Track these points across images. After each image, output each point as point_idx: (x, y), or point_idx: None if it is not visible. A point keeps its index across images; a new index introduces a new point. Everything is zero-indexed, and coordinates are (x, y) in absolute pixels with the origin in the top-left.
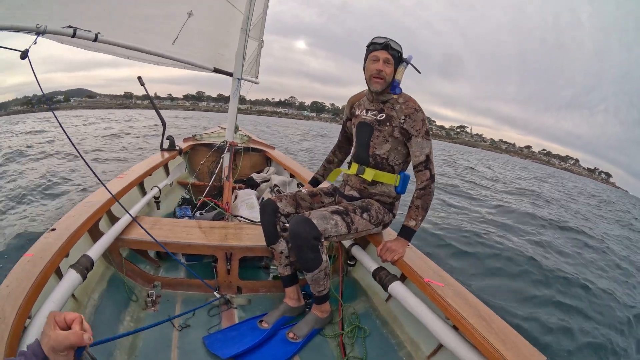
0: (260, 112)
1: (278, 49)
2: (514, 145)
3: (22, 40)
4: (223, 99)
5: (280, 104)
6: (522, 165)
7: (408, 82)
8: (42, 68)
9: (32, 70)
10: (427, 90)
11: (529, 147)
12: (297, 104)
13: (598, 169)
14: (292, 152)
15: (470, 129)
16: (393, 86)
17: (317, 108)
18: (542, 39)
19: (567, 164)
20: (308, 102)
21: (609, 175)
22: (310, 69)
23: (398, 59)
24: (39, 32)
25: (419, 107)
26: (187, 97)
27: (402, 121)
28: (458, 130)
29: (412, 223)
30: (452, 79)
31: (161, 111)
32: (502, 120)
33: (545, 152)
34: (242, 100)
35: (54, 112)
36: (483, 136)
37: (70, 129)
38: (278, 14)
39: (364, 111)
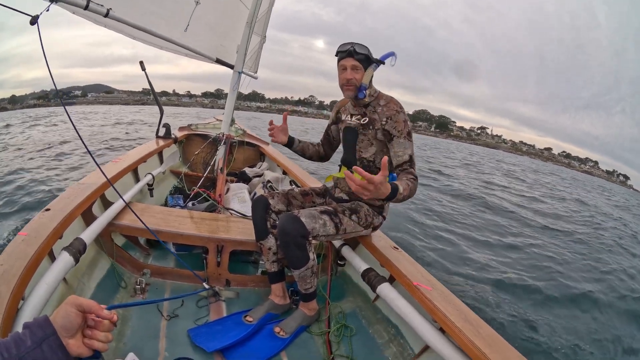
0: (280, 110)
1: (297, 48)
2: (533, 147)
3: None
4: (241, 97)
5: (299, 102)
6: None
7: (425, 83)
8: (61, 63)
9: (40, 39)
10: (445, 90)
11: (549, 149)
12: (317, 103)
13: (617, 171)
14: None
15: (491, 130)
16: (359, 90)
17: None
18: (559, 38)
19: (587, 167)
20: (327, 101)
21: (627, 177)
22: (329, 68)
23: (366, 61)
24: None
25: (401, 108)
26: (205, 95)
27: (383, 123)
28: (478, 131)
29: (401, 189)
30: (470, 80)
31: (180, 108)
32: (520, 121)
33: (565, 154)
34: (261, 98)
35: (65, 107)
36: (502, 137)
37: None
38: (296, 12)
39: (349, 116)
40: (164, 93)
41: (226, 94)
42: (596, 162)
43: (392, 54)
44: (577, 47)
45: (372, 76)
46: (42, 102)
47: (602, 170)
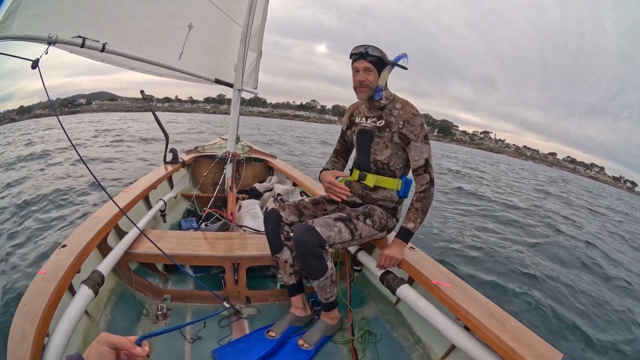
0: (281, 115)
1: (299, 52)
2: (537, 151)
3: (36, 49)
4: (243, 103)
5: (301, 107)
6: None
7: (427, 87)
8: (65, 72)
9: (41, 78)
10: (447, 94)
11: (553, 154)
12: (319, 107)
13: (623, 177)
14: None
15: (494, 135)
16: (376, 91)
17: (339, 112)
18: (564, 44)
19: (593, 172)
20: (329, 106)
21: (634, 184)
22: (330, 72)
23: (380, 63)
24: (51, 42)
25: (417, 111)
26: (207, 100)
27: (400, 126)
28: (482, 135)
29: (410, 225)
30: (472, 84)
31: (182, 114)
32: (524, 126)
33: (570, 159)
34: (263, 103)
35: (58, 116)
36: (505, 142)
37: None
38: (298, 18)
39: (364, 119)
40: (167, 99)
41: (228, 99)
42: (602, 168)
43: (404, 56)
44: (582, 52)
45: (387, 78)
46: (47, 111)
47: (609, 176)
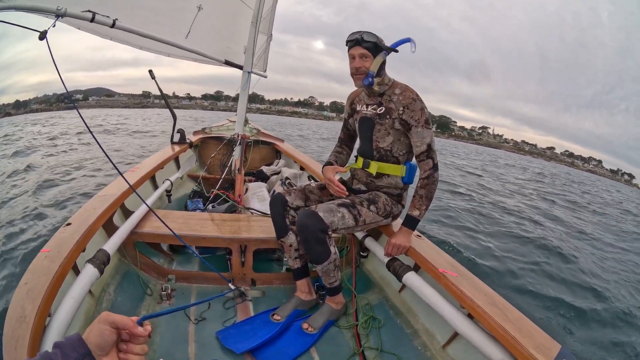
0: (279, 112)
1: (296, 49)
2: (535, 146)
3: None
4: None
5: (299, 104)
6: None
7: (425, 82)
8: (63, 67)
9: (50, 52)
10: (444, 90)
11: (551, 148)
12: (317, 104)
13: (621, 170)
14: None
15: (492, 130)
16: (366, 77)
17: (337, 108)
18: (561, 38)
19: (590, 166)
20: (327, 102)
21: (632, 176)
22: (327, 69)
23: (376, 49)
24: (59, 14)
25: (417, 95)
26: (205, 97)
27: (400, 112)
28: (480, 131)
29: (416, 212)
30: (470, 79)
31: (180, 110)
32: (521, 120)
33: (567, 153)
34: (261, 100)
35: (77, 108)
36: (504, 137)
37: None
38: (296, 14)
39: (364, 106)
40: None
41: (226, 96)
42: (600, 161)
43: (407, 40)
44: (579, 45)
45: (384, 64)
46: (44, 106)
47: (606, 169)
